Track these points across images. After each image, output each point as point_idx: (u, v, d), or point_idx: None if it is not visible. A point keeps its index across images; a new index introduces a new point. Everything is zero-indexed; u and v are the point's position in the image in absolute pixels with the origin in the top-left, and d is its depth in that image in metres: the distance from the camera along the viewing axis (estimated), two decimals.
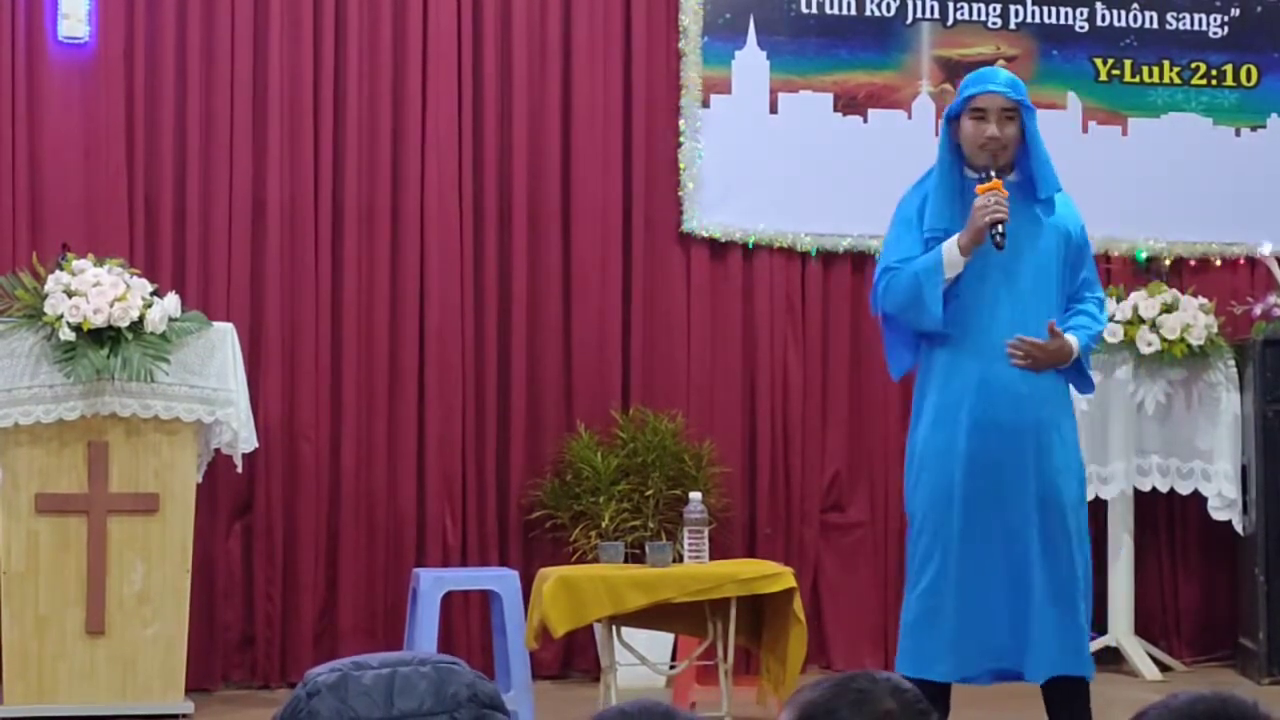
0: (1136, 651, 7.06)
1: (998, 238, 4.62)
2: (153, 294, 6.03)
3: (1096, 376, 7.01)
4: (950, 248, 4.69)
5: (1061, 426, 4.73)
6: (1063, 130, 7.54)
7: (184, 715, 6.02)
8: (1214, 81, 7.67)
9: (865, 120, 7.39)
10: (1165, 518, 7.48)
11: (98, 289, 5.90)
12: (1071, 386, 4.84)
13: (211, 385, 6.06)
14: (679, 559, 5.94)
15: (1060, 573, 4.67)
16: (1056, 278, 4.80)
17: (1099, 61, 7.60)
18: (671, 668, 6.27)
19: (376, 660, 2.26)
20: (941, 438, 4.73)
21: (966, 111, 4.79)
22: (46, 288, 5.92)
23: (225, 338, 6.13)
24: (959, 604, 4.67)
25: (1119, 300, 7.10)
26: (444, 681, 2.19)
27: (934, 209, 4.82)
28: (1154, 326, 7.01)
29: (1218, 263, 7.65)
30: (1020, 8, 7.54)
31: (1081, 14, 7.58)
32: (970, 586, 4.66)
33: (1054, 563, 4.66)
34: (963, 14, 7.49)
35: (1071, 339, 4.66)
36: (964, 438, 4.69)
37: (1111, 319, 7.05)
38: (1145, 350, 7.01)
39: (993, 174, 4.71)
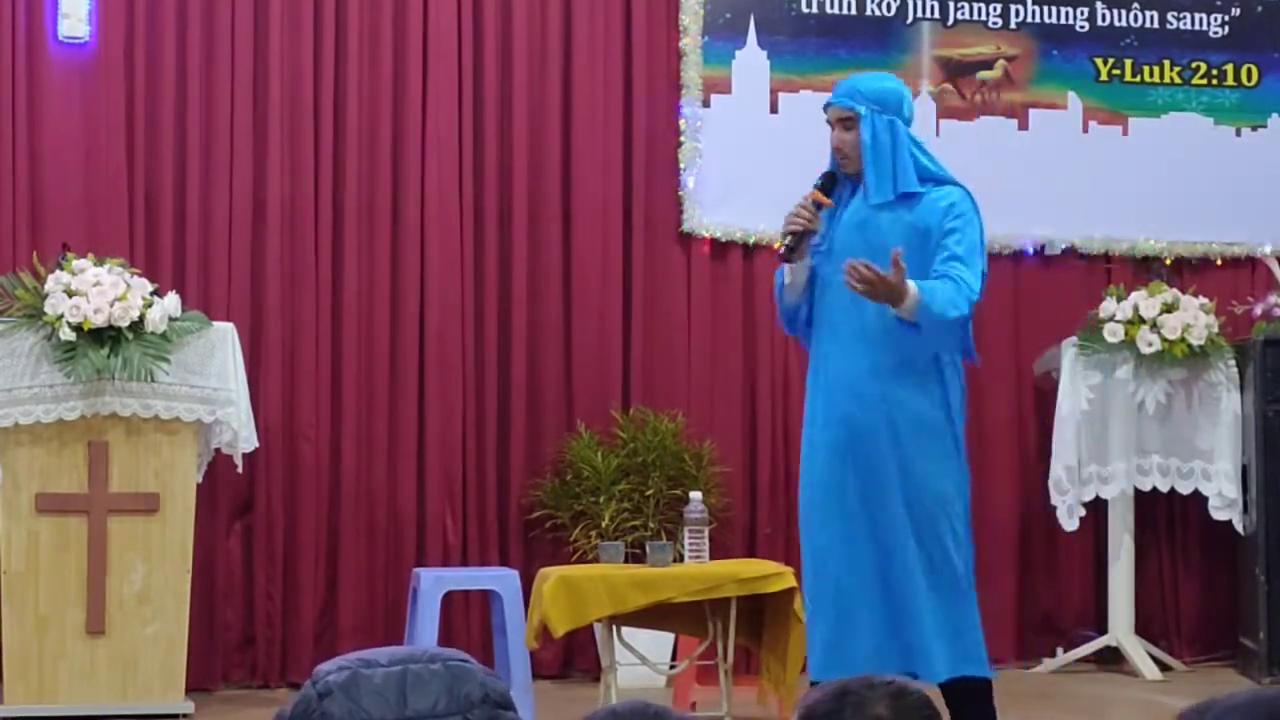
0: (1137, 651, 7.06)
1: (782, 247, 4.66)
2: (153, 294, 6.03)
3: (1096, 376, 7.08)
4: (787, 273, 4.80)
5: (926, 423, 4.67)
6: (1063, 130, 7.55)
7: (184, 715, 6.01)
8: (1214, 81, 7.67)
9: None
10: (1166, 517, 7.48)
11: (98, 289, 5.90)
12: (948, 390, 4.74)
13: (212, 385, 6.06)
14: (679, 559, 5.94)
15: (942, 575, 4.65)
16: (912, 274, 4.77)
17: (1099, 61, 7.59)
18: (671, 668, 6.27)
19: (386, 657, 2.24)
20: (807, 437, 4.82)
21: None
22: (47, 287, 5.92)
23: (225, 337, 6.13)
24: (832, 608, 4.68)
25: (1119, 300, 7.10)
26: (457, 680, 2.18)
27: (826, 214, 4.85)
28: (1154, 326, 7.01)
29: (1218, 262, 7.65)
30: (1020, 7, 7.54)
31: (1082, 14, 7.58)
32: (843, 590, 4.66)
33: (932, 564, 4.64)
34: (963, 14, 7.49)
35: (911, 284, 4.58)
36: (820, 437, 4.75)
37: (1112, 319, 7.05)
38: (1146, 350, 7.00)
39: (816, 184, 4.75)
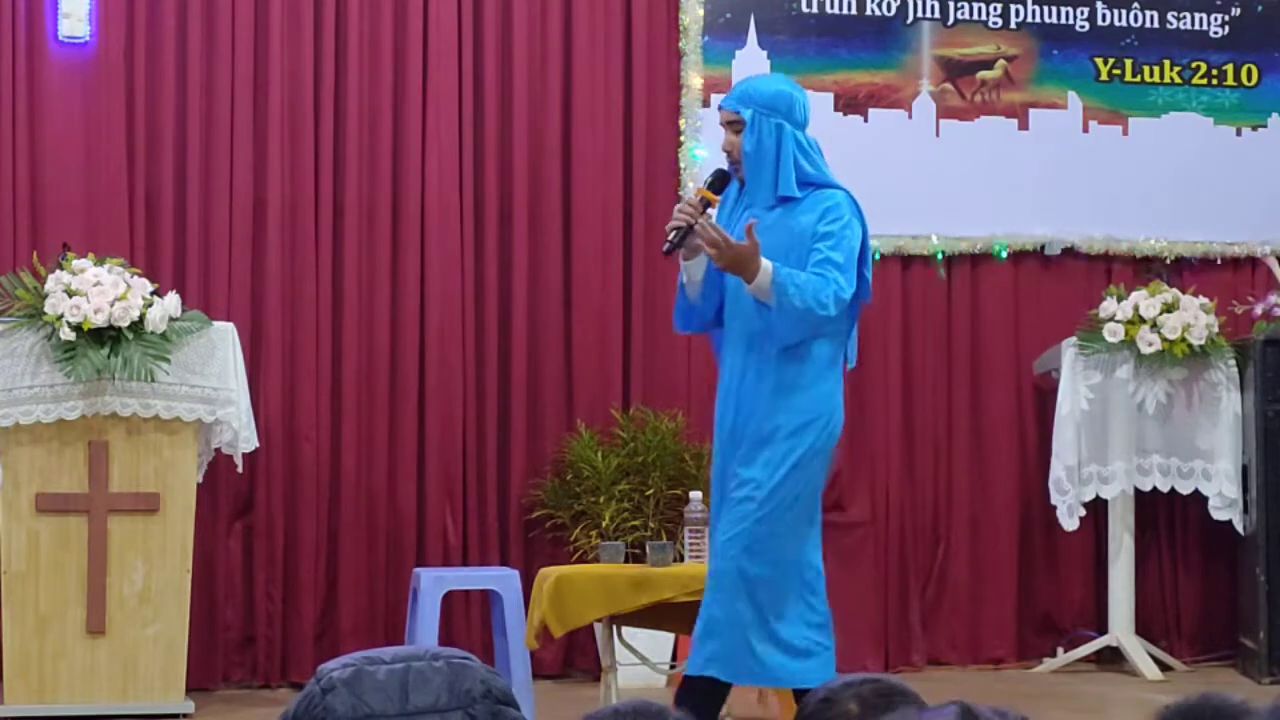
0: (1137, 651, 7.06)
1: (666, 244, 4.69)
2: (153, 293, 6.03)
3: (1096, 376, 7.08)
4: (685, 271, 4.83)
5: (781, 428, 4.69)
6: (1063, 130, 7.55)
7: (184, 715, 6.02)
8: (1215, 81, 7.67)
9: (866, 120, 7.40)
10: (1166, 517, 7.48)
11: (98, 288, 5.90)
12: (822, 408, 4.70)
13: (212, 385, 6.06)
14: (679, 559, 5.94)
15: (775, 584, 4.65)
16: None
17: (1100, 61, 7.60)
18: (671, 668, 6.27)
19: (389, 655, 2.26)
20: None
21: None
22: (47, 287, 5.92)
23: (226, 337, 6.13)
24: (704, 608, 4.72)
25: (1119, 300, 7.10)
26: (458, 677, 2.18)
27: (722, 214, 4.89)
28: (1155, 326, 7.01)
29: (1218, 262, 7.65)
30: (1021, 7, 7.54)
31: (1082, 13, 7.58)
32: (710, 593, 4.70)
33: (761, 568, 4.66)
34: (963, 13, 7.49)
35: (766, 262, 4.54)
36: (715, 437, 4.80)
37: (1112, 318, 7.05)
38: (1146, 350, 7.01)
39: (707, 181, 4.78)
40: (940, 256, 7.45)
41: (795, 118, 4.78)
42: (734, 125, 4.78)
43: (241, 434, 6.14)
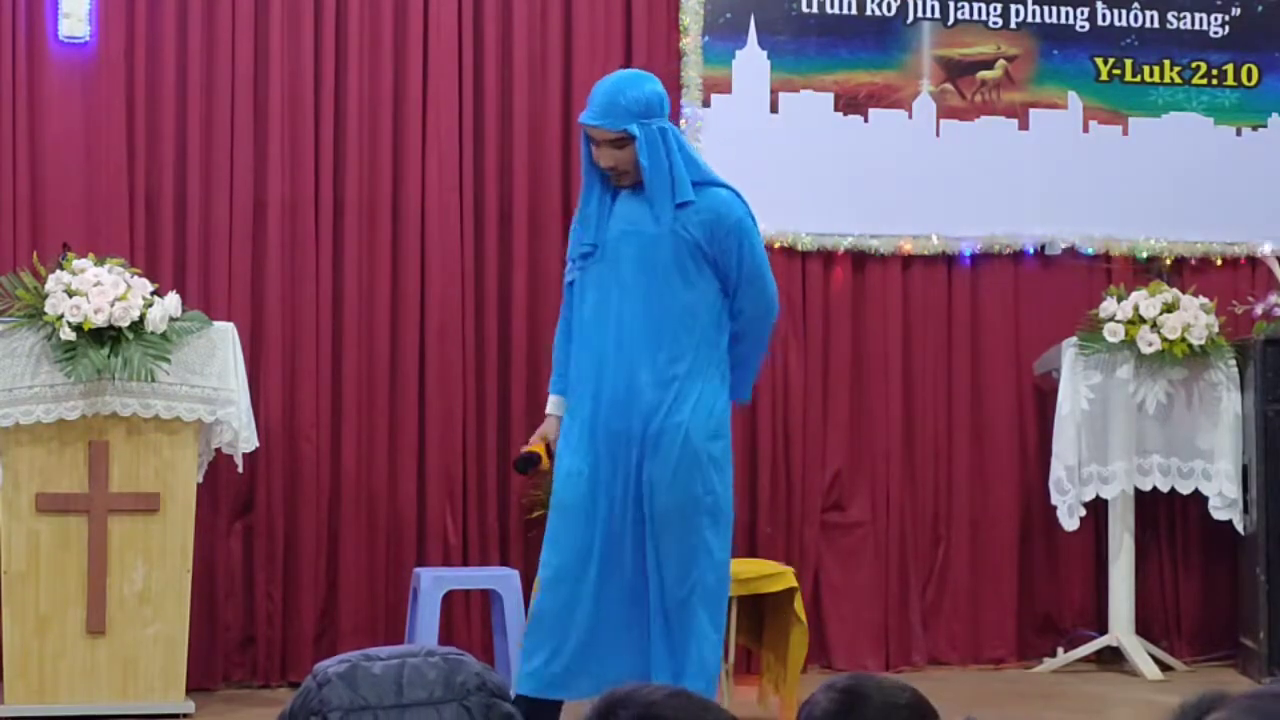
0: (1137, 651, 7.06)
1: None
2: (153, 293, 6.03)
3: (1096, 376, 7.08)
4: (554, 403, 5.05)
5: (679, 429, 4.73)
6: (1063, 130, 7.55)
7: (185, 715, 6.02)
8: (1215, 81, 7.67)
9: (866, 120, 7.40)
10: (1166, 517, 7.48)
11: (98, 288, 5.90)
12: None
13: (212, 385, 6.06)
14: None
15: (675, 592, 4.67)
16: (677, 283, 4.80)
17: (1100, 61, 7.60)
18: None
19: (385, 652, 2.27)
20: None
21: None
22: (47, 287, 5.93)
23: (226, 337, 6.13)
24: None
25: (1119, 300, 7.10)
26: (453, 671, 2.19)
27: (582, 219, 4.89)
28: (1155, 326, 7.01)
29: (1218, 262, 7.65)
30: (1021, 7, 7.54)
31: (1082, 13, 7.58)
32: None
33: (663, 576, 4.68)
34: (963, 13, 7.49)
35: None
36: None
37: (1112, 318, 7.05)
38: (1146, 350, 7.01)
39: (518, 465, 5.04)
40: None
41: (666, 112, 4.79)
42: (617, 142, 4.74)
43: (242, 434, 6.14)
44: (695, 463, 4.70)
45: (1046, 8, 7.55)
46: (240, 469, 6.35)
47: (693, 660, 4.64)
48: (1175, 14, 7.65)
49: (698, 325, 4.80)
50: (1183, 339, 6.99)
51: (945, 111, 7.46)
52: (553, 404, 5.03)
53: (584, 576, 4.73)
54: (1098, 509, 7.20)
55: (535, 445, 4.99)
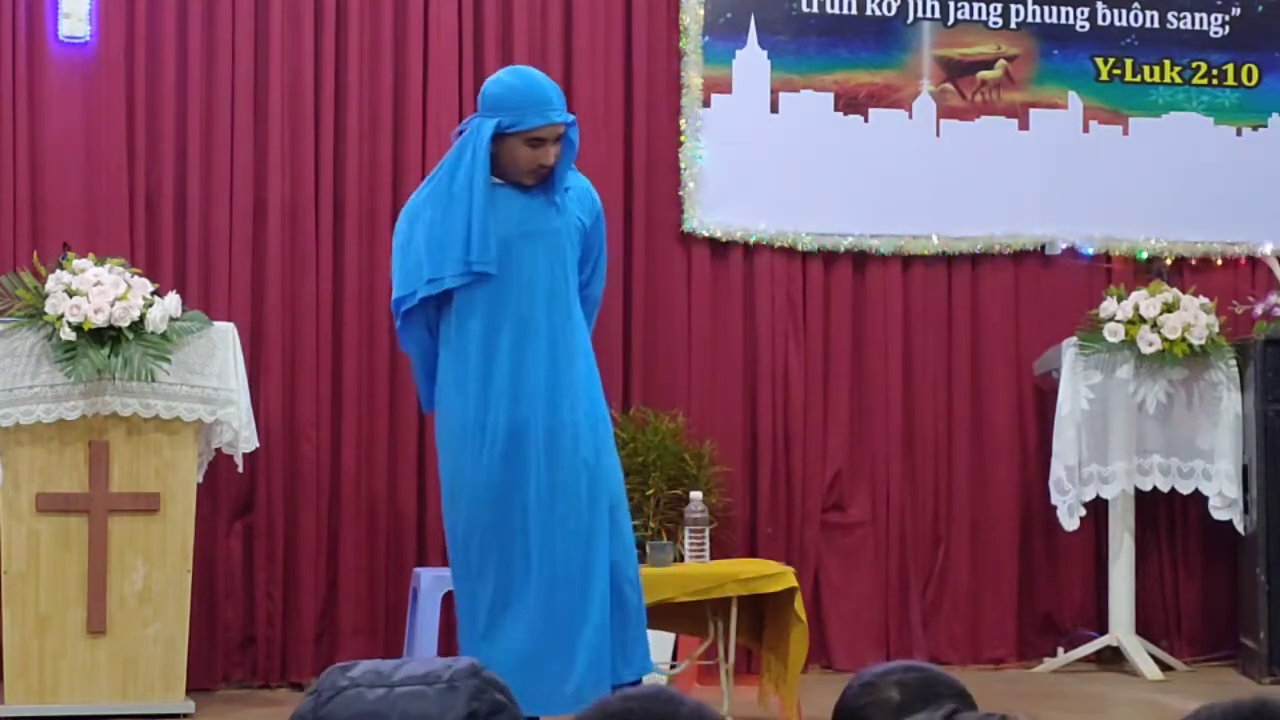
0: (1137, 651, 7.06)
1: None
2: (153, 293, 6.03)
3: (1096, 376, 7.09)
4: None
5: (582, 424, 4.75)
6: (1063, 130, 7.55)
7: (185, 715, 6.02)
8: (1215, 81, 7.67)
9: (866, 120, 7.39)
10: (1166, 517, 7.48)
11: (99, 288, 5.90)
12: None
13: (212, 385, 6.06)
14: (680, 558, 5.94)
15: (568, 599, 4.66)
16: (574, 277, 4.83)
17: (1100, 61, 7.59)
18: (672, 667, 6.27)
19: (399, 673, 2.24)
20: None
21: (520, 135, 4.69)
22: (47, 287, 5.92)
23: (226, 337, 6.13)
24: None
25: (1119, 300, 7.10)
26: (447, 663, 2.18)
27: (442, 241, 4.71)
28: (1155, 326, 7.01)
29: (1219, 262, 7.65)
30: (1021, 7, 7.54)
31: (1082, 13, 7.58)
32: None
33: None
34: (963, 13, 7.49)
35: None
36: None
37: (1112, 318, 7.05)
38: (1146, 350, 7.00)
39: None
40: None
41: None
42: (560, 136, 4.70)
43: (242, 434, 6.14)
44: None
45: (1046, 8, 7.55)
46: (240, 469, 6.35)
47: None
48: (1175, 14, 7.65)
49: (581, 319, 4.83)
50: (1183, 339, 6.99)
51: (945, 111, 7.46)
52: None
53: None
54: (1098, 509, 7.20)
55: None
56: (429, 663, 2.10)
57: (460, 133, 4.88)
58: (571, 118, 4.78)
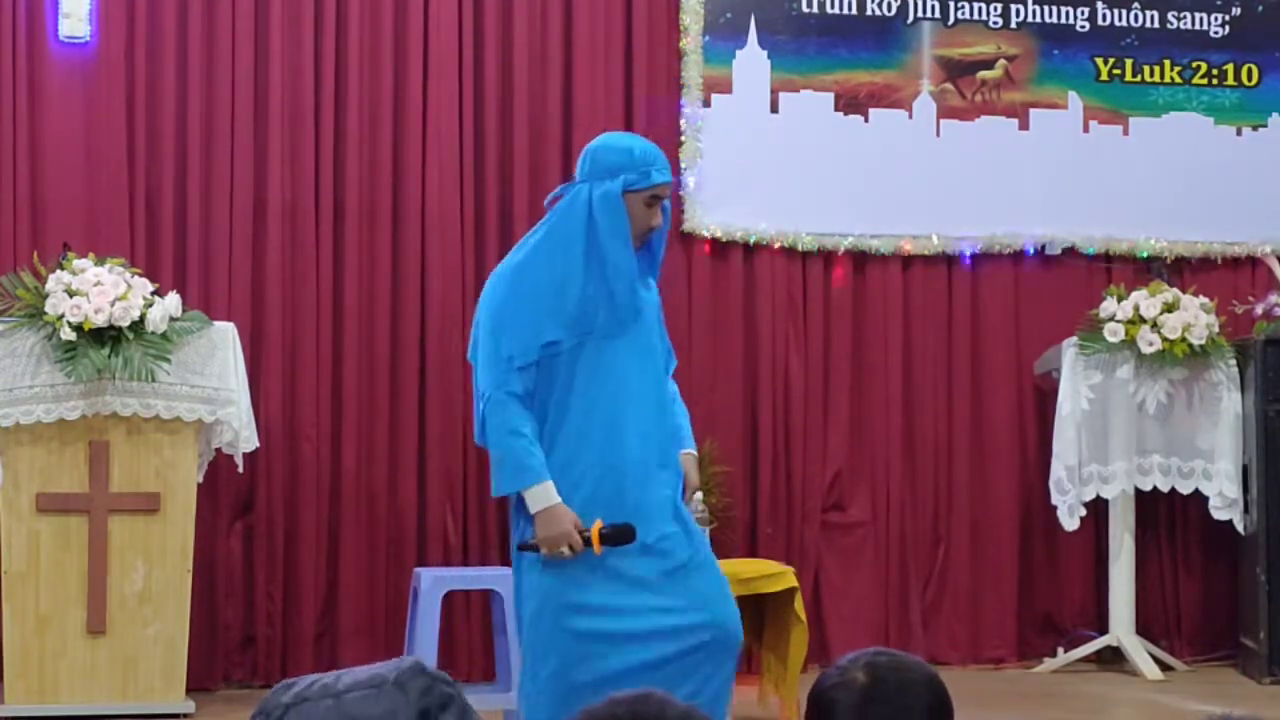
0: (1138, 651, 7.06)
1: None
2: (154, 293, 6.03)
3: (1096, 376, 7.09)
4: (544, 493, 4.38)
5: None
6: (1063, 130, 7.55)
7: (185, 715, 6.02)
8: (1215, 81, 7.67)
9: (866, 120, 7.40)
10: (1166, 517, 7.48)
11: (99, 288, 5.90)
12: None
13: (212, 385, 6.06)
14: None
15: None
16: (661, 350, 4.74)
17: (1100, 61, 7.60)
18: None
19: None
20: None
21: (642, 194, 4.54)
22: (47, 287, 5.93)
23: (226, 337, 6.13)
24: None
25: (1120, 300, 7.10)
26: (392, 665, 2.18)
27: (613, 290, 4.58)
28: (1155, 326, 7.01)
29: (1219, 262, 7.65)
30: (1021, 7, 7.54)
31: (1082, 13, 7.58)
32: None
33: None
34: (963, 13, 7.49)
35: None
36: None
37: (1112, 318, 7.05)
38: (1146, 350, 7.00)
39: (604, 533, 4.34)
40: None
41: None
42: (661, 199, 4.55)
43: (242, 434, 6.14)
44: None
45: (1046, 8, 7.55)
46: (240, 469, 6.35)
47: None
48: (1175, 14, 7.65)
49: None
50: (1183, 339, 6.99)
51: (945, 111, 7.46)
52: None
53: None
54: (1098, 509, 7.20)
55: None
56: (371, 667, 2.10)
57: (556, 199, 4.85)
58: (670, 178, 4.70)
